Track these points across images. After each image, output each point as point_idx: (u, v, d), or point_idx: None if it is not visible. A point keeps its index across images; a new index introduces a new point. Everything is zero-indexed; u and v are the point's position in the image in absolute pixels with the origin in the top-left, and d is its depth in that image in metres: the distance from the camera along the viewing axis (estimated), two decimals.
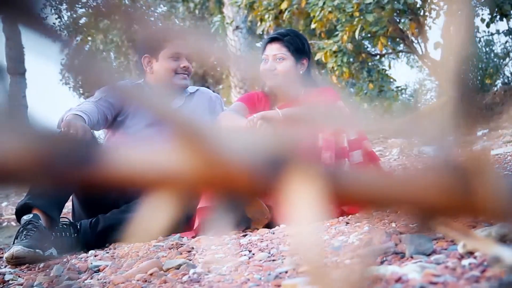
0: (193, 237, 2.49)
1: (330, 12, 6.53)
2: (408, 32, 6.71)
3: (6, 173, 0.52)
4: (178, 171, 0.56)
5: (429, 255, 1.30)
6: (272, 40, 2.95)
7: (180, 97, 3.07)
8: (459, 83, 0.70)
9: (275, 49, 2.90)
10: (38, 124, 0.53)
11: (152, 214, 0.60)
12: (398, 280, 1.08)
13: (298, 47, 2.91)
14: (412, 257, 1.28)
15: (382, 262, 1.30)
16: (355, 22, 6.48)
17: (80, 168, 0.53)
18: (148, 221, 0.59)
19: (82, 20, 14.82)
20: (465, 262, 1.13)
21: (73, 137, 0.51)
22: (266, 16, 7.52)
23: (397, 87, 8.92)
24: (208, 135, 0.56)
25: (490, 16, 7.06)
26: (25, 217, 2.46)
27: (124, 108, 2.96)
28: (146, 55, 3.00)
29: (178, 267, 1.71)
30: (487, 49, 11.89)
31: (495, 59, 11.51)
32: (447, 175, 0.59)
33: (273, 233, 2.17)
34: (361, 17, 6.40)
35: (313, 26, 6.96)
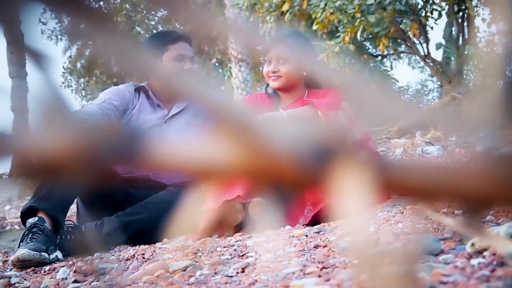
0: (198, 239, 2.49)
1: (331, 13, 6.54)
2: (410, 32, 6.71)
3: (54, 166, 0.52)
4: (224, 162, 0.56)
5: (437, 255, 1.30)
6: (275, 41, 2.95)
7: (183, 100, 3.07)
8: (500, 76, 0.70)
9: (279, 50, 2.91)
10: (83, 117, 0.53)
11: (195, 208, 0.60)
12: None
13: (302, 48, 2.91)
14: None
15: (390, 263, 1.30)
16: (356, 23, 6.48)
17: (126, 159, 0.53)
18: (190, 215, 0.59)
19: (83, 24, 14.81)
20: (474, 261, 1.13)
21: (118, 129, 0.51)
22: (268, 17, 7.53)
23: (400, 87, 8.92)
24: (254, 125, 0.55)
25: (491, 16, 7.06)
26: (30, 220, 2.46)
27: (128, 110, 2.96)
28: None
29: (184, 269, 1.71)
30: (488, 49, 11.86)
31: (496, 60, 11.48)
32: (496, 165, 0.58)
33: (279, 235, 2.17)
34: (363, 18, 6.40)
35: (314, 27, 6.96)
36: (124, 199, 2.80)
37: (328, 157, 0.56)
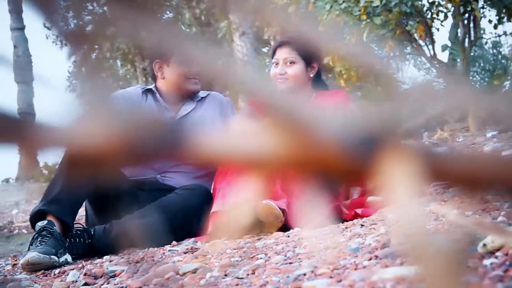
0: (207, 242, 2.49)
1: (337, 15, 6.53)
2: (416, 34, 6.70)
3: (98, 158, 0.52)
4: (270, 152, 0.56)
5: None
6: (282, 44, 2.96)
7: (191, 102, 3.08)
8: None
9: (285, 53, 2.91)
10: (125, 109, 0.53)
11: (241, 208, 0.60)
12: (422, 280, 1.07)
13: (308, 50, 2.91)
14: None
15: (401, 264, 1.30)
16: (362, 25, 6.48)
17: (169, 150, 0.54)
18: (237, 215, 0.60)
19: (89, 28, 14.87)
20: (487, 262, 1.12)
21: (162, 121, 0.51)
22: None
23: (406, 89, 8.89)
24: (302, 115, 0.55)
25: (497, 18, 7.04)
26: (40, 224, 2.47)
27: None
28: (157, 61, 3.00)
29: (194, 271, 1.71)
30: (495, 50, 11.86)
31: (502, 61, 11.48)
32: None
33: (288, 236, 2.17)
34: (369, 20, 6.40)
35: (320, 29, 6.96)
36: (132, 202, 2.81)
37: (375, 146, 0.56)
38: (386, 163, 0.56)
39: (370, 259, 1.41)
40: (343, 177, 0.58)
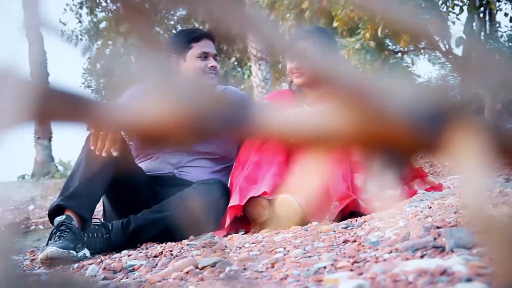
0: (225, 236, 2.50)
1: (351, 10, 6.51)
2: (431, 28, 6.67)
3: (165, 134, 0.52)
4: (336, 128, 0.55)
5: (470, 248, 1.28)
6: (297, 38, 2.95)
7: None
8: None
9: (301, 47, 2.90)
10: (189, 86, 0.53)
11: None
12: (443, 273, 1.06)
13: (324, 44, 2.90)
14: (452, 251, 1.27)
15: (422, 257, 1.29)
16: (377, 20, 6.45)
17: (234, 127, 0.54)
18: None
19: (103, 24, 14.92)
20: None
21: (224, 97, 0.51)
22: (288, 15, 7.52)
23: (422, 82, 8.86)
24: (367, 90, 0.55)
25: None
26: (58, 219, 2.48)
27: None
28: (174, 56, 3.01)
29: (213, 265, 1.71)
30: (510, 44, 11.77)
31: None
32: None
33: (306, 230, 2.17)
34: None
35: (335, 24, 6.94)
36: (150, 197, 2.82)
37: (443, 121, 0.55)
38: (455, 138, 0.55)
39: (391, 252, 1.40)
40: (409, 152, 0.57)
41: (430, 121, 0.55)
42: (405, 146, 0.56)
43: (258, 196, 2.54)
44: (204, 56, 2.99)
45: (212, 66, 2.99)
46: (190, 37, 3.00)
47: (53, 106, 0.50)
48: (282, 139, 0.57)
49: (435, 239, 1.39)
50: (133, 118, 0.52)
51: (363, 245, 1.57)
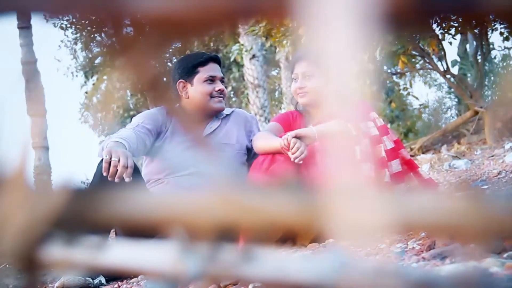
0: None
1: None
2: (429, 49, 6.71)
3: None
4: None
5: (499, 253, 1.28)
6: (299, 58, 2.97)
7: (216, 120, 3.09)
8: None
9: (304, 67, 2.92)
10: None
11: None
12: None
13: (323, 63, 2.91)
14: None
15: (452, 262, 1.29)
16: (374, 42, 6.49)
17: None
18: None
19: (98, 60, 14.99)
20: None
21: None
22: (284, 42, 7.56)
23: (420, 104, 8.90)
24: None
25: (508, 30, 7.04)
26: None
27: (161, 133, 2.98)
28: (181, 80, 3.02)
29: (235, 283, 1.70)
30: (504, 63, 11.85)
31: None
32: None
33: (325, 247, 2.16)
34: (381, 37, 6.41)
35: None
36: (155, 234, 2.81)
37: None
38: None
39: (418, 261, 1.40)
40: None
41: None
42: None
43: None
44: (211, 79, 3.00)
45: (219, 90, 3.01)
46: (197, 61, 3.02)
47: None
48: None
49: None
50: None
51: (388, 256, 1.57)
